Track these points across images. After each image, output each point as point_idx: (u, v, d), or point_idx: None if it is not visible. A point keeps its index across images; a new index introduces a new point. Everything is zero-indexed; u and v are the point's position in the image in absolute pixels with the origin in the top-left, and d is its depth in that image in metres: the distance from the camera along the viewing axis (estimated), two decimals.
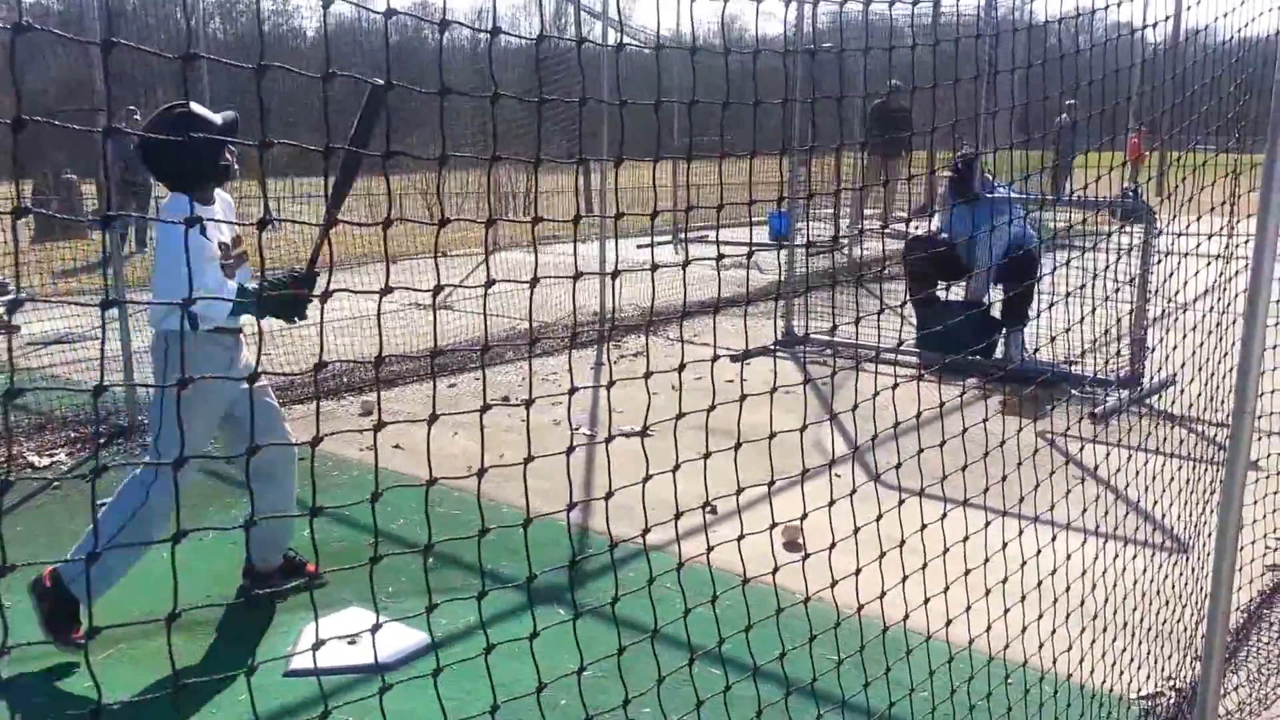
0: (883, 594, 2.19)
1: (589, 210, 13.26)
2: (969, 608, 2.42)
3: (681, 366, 1.73)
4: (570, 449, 1.65)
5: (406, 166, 15.92)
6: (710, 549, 1.96)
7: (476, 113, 12.42)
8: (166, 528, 3.23)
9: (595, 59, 8.35)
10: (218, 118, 3.21)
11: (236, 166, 3.30)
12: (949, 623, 2.37)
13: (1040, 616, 2.63)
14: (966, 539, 2.44)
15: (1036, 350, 6.43)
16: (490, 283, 1.62)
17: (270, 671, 3.13)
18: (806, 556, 2.01)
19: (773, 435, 1.84)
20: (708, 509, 3.88)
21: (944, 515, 2.32)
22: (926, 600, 2.27)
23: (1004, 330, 6.54)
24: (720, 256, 1.87)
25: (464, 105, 12.25)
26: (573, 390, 1.68)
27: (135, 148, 3.17)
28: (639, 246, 11.85)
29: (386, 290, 1.53)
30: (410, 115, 15.28)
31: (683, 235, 13.01)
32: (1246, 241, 2.84)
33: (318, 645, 1.46)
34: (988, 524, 2.51)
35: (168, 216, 3.17)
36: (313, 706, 2.95)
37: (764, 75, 1.91)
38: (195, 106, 3.21)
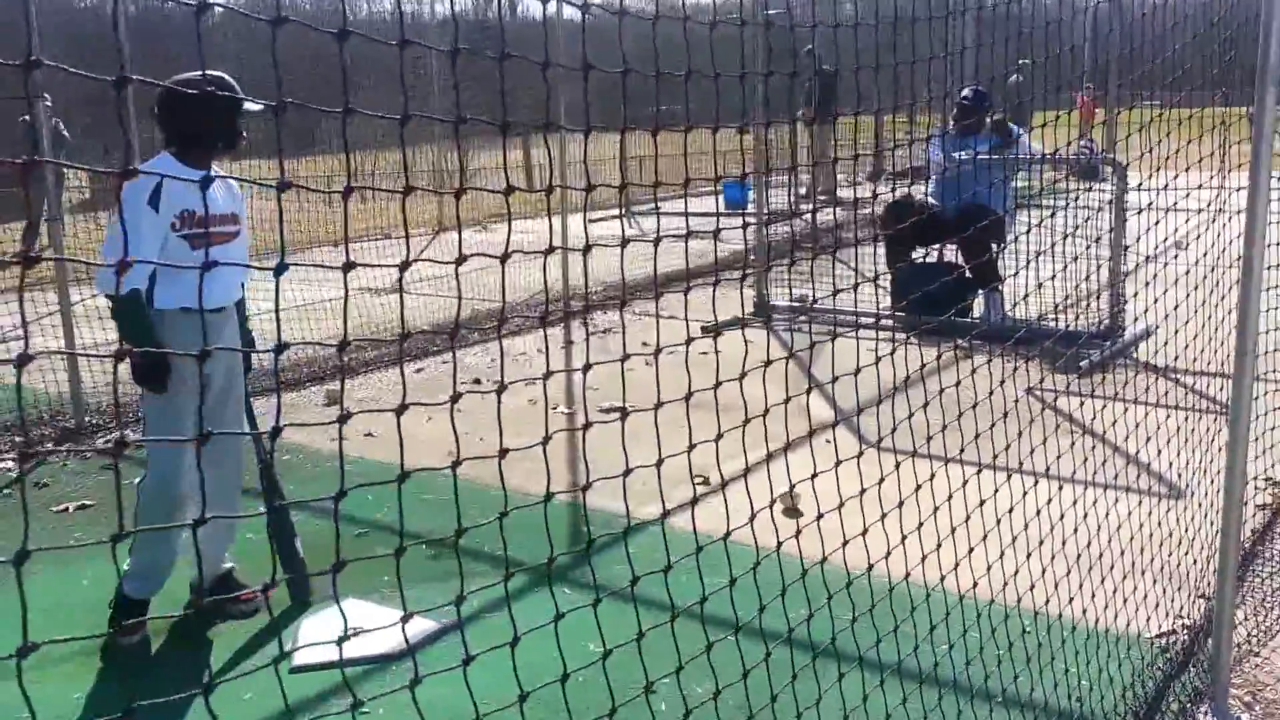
0: (898, 554, 2.18)
1: (531, 186, 13.13)
2: (991, 565, 2.42)
3: (658, 344, 1.69)
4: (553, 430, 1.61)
5: (335, 148, 15.65)
6: (694, 502, 1.93)
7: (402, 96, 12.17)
8: (186, 511, 3.20)
9: (539, 32, 8.22)
10: (241, 96, 3.25)
11: (245, 142, 3.31)
12: (978, 580, 2.37)
13: (1050, 564, 2.65)
14: (980, 500, 2.44)
15: (1015, 306, 6.46)
16: (462, 259, 1.54)
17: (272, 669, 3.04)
18: (779, 511, 1.98)
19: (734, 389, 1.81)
20: (698, 479, 3.87)
21: (931, 474, 2.31)
22: (953, 565, 2.27)
23: (979, 291, 6.56)
24: (722, 223, 1.81)
25: (393, 84, 12.01)
26: (548, 375, 1.61)
27: (157, 97, 3.18)
28: (591, 222, 11.74)
29: (406, 264, 1.46)
30: (329, 98, 14.80)
31: (655, 207, 12.99)
32: (1238, 190, 2.87)
33: (345, 635, 1.41)
34: (996, 488, 2.51)
35: (142, 175, 3.11)
36: (321, 700, 2.90)
37: (716, 44, 1.84)
38: (227, 78, 3.25)
